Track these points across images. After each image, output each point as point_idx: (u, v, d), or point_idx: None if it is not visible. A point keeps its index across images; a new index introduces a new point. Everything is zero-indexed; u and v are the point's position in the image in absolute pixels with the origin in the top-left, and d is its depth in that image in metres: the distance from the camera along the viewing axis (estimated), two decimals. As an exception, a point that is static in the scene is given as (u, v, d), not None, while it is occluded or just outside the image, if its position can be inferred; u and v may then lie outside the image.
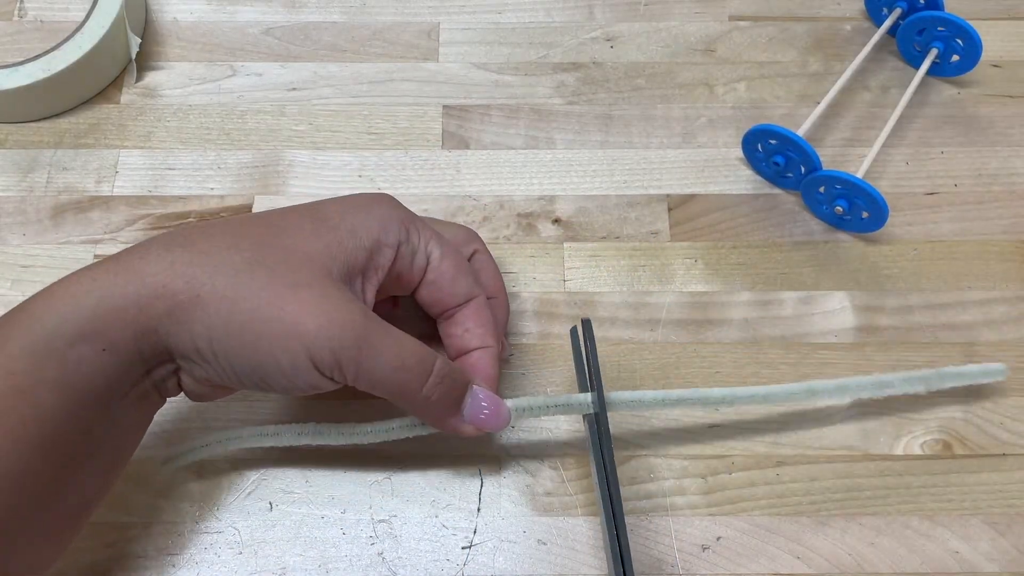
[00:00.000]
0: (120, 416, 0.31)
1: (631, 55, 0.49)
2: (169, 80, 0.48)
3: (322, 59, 0.48)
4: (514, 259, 0.43)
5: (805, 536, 0.37)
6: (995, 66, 0.48)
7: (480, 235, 0.39)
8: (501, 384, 0.39)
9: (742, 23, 0.50)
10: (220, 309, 0.29)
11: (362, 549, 0.36)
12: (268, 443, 0.36)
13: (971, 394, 0.40)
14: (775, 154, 0.43)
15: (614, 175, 0.45)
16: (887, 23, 0.47)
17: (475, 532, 0.37)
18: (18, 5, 0.50)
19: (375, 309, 0.33)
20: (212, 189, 0.44)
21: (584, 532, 0.37)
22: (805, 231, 0.44)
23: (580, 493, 0.38)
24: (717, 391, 0.37)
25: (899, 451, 0.39)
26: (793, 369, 0.40)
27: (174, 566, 0.36)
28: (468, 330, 0.35)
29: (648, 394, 0.36)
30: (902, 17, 0.48)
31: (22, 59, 0.45)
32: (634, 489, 0.38)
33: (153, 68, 0.48)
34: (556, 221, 0.44)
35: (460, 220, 0.44)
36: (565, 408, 0.36)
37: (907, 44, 0.48)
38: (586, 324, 0.36)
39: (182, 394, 0.33)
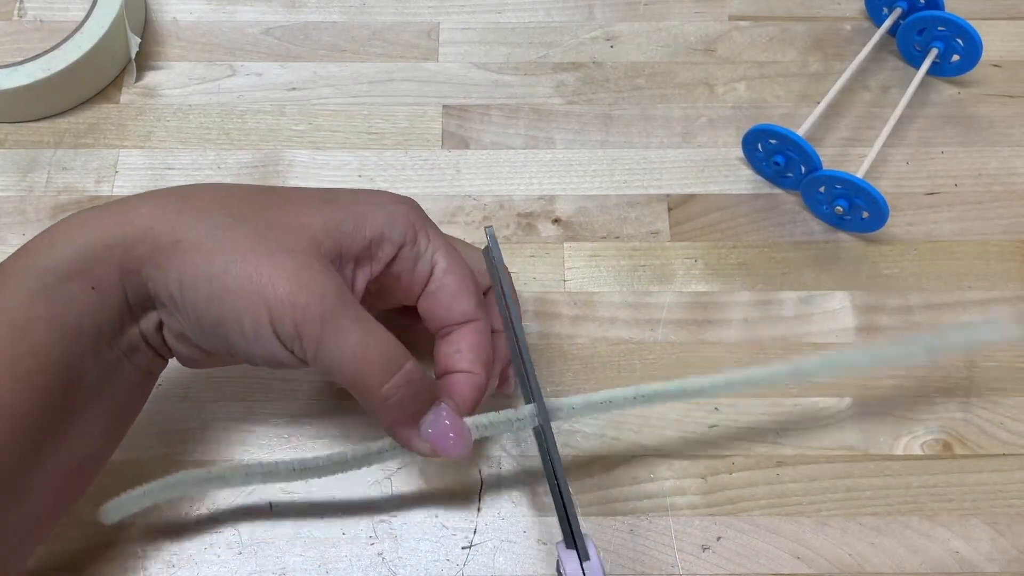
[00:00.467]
0: (115, 366, 0.31)
1: (631, 55, 0.49)
2: (169, 80, 0.48)
3: (322, 59, 0.48)
4: (514, 259, 0.43)
5: (805, 536, 0.37)
6: (995, 66, 0.48)
7: (480, 235, 0.38)
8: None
9: (742, 23, 0.50)
10: (195, 258, 0.29)
11: (362, 549, 0.36)
12: (213, 487, 0.35)
13: (971, 394, 0.40)
14: (775, 154, 0.43)
15: (614, 175, 0.45)
16: (887, 23, 0.47)
17: (475, 532, 0.37)
18: (18, 5, 0.49)
19: (392, 320, 0.32)
20: (212, 189, 0.44)
21: (584, 532, 0.37)
22: (805, 231, 0.44)
23: (580, 493, 0.38)
24: (670, 385, 0.34)
25: (899, 451, 0.39)
26: (793, 369, 0.40)
27: (174, 566, 0.36)
28: (459, 351, 0.34)
29: (597, 396, 0.34)
30: (902, 17, 0.48)
31: (22, 59, 0.45)
32: (634, 489, 0.38)
33: (153, 68, 0.48)
34: (556, 221, 0.44)
35: (460, 220, 0.44)
36: (511, 424, 0.33)
37: (907, 44, 0.48)
38: (490, 233, 0.33)
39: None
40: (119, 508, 0.34)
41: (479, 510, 0.37)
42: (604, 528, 0.37)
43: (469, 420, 0.32)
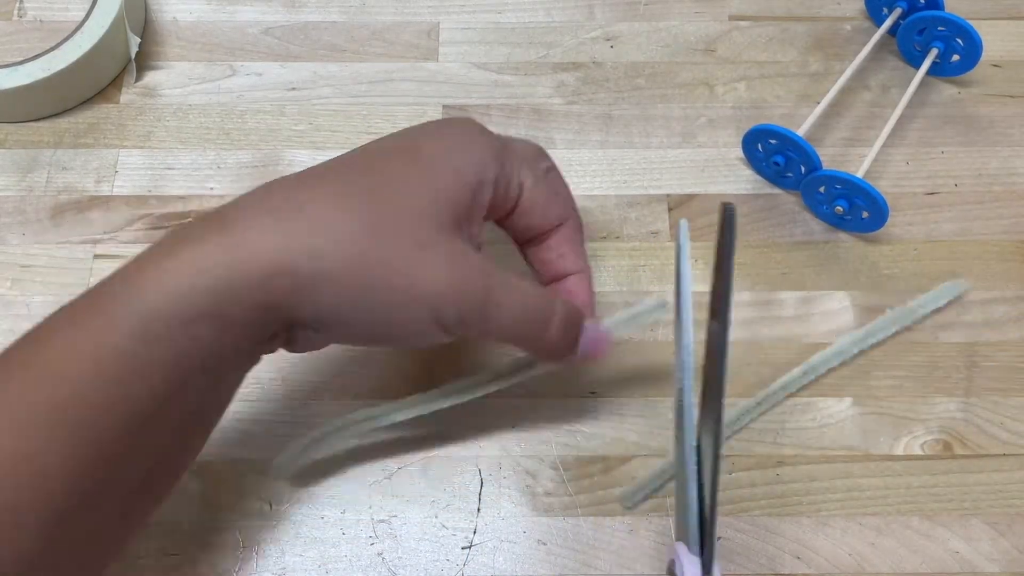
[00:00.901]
0: (226, 382, 0.31)
1: (631, 55, 0.49)
2: (169, 80, 0.48)
3: (322, 59, 0.48)
4: (514, 259, 0.43)
5: (805, 536, 0.37)
6: (995, 66, 0.48)
7: (489, 224, 0.38)
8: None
9: (742, 23, 0.50)
10: (349, 282, 0.28)
11: (362, 549, 0.36)
12: (383, 422, 0.35)
13: (971, 394, 0.40)
14: (775, 154, 0.43)
15: (614, 175, 0.45)
16: (887, 23, 0.47)
17: (475, 532, 0.37)
18: (18, 5, 0.49)
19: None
20: (212, 189, 0.44)
21: (584, 532, 0.37)
22: (805, 231, 0.44)
23: (580, 493, 0.38)
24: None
25: (899, 451, 0.39)
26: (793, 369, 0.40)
27: (174, 566, 0.36)
28: (563, 255, 0.35)
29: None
30: (902, 17, 0.47)
31: (22, 59, 0.45)
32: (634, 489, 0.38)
33: (153, 68, 0.48)
34: (556, 221, 0.44)
35: (460, 220, 0.44)
36: (643, 317, 0.36)
37: (907, 44, 0.48)
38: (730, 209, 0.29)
39: None
40: (289, 462, 0.36)
41: (479, 510, 0.37)
42: (604, 528, 0.37)
43: (607, 322, 0.35)
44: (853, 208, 0.42)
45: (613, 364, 0.40)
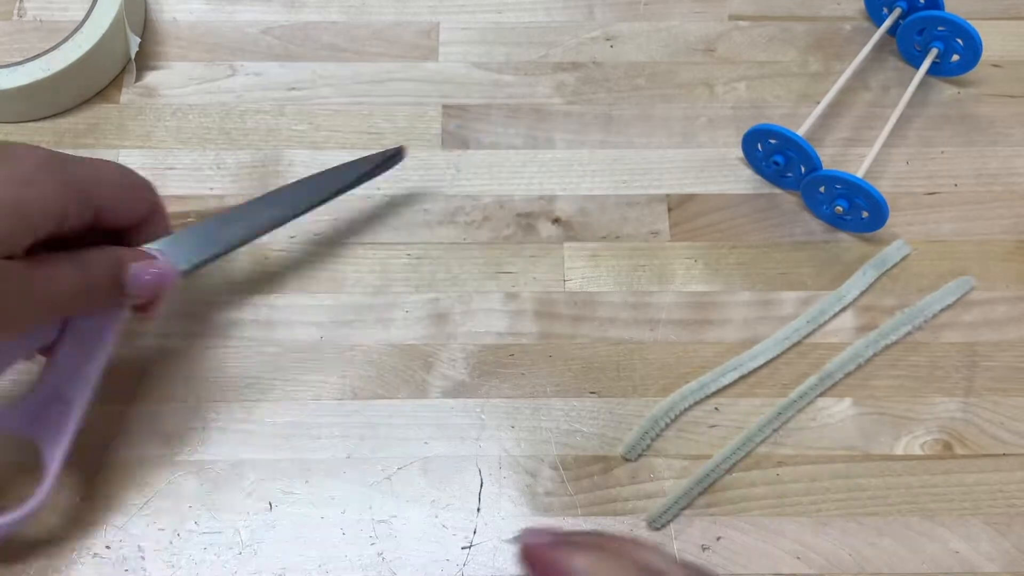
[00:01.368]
0: None
1: (631, 55, 0.49)
2: (169, 80, 0.48)
3: (322, 59, 0.48)
4: (514, 259, 0.43)
5: (805, 536, 0.37)
6: (995, 66, 0.48)
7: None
8: (501, 385, 0.39)
9: (742, 23, 0.50)
10: None
11: (362, 549, 0.36)
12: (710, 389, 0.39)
13: (971, 394, 0.40)
14: (775, 154, 0.43)
15: (614, 175, 0.45)
16: (887, 23, 0.47)
17: (475, 532, 0.37)
18: (18, 5, 0.49)
19: None
20: (212, 189, 0.44)
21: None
22: (805, 231, 0.44)
23: (580, 493, 0.38)
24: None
25: (899, 451, 0.39)
26: (792, 368, 0.40)
27: (174, 566, 0.36)
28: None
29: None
30: (902, 17, 0.47)
31: (22, 59, 0.45)
32: (634, 489, 0.38)
33: (153, 68, 0.48)
34: (556, 221, 0.44)
35: (460, 220, 0.44)
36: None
37: (907, 44, 0.48)
38: None
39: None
40: (637, 444, 0.38)
41: (479, 510, 0.37)
42: (604, 528, 0.37)
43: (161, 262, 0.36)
44: (853, 208, 0.42)
45: (613, 363, 0.40)
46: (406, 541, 0.37)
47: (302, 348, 0.40)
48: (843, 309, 0.41)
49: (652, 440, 0.38)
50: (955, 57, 0.46)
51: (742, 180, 0.45)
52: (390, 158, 0.42)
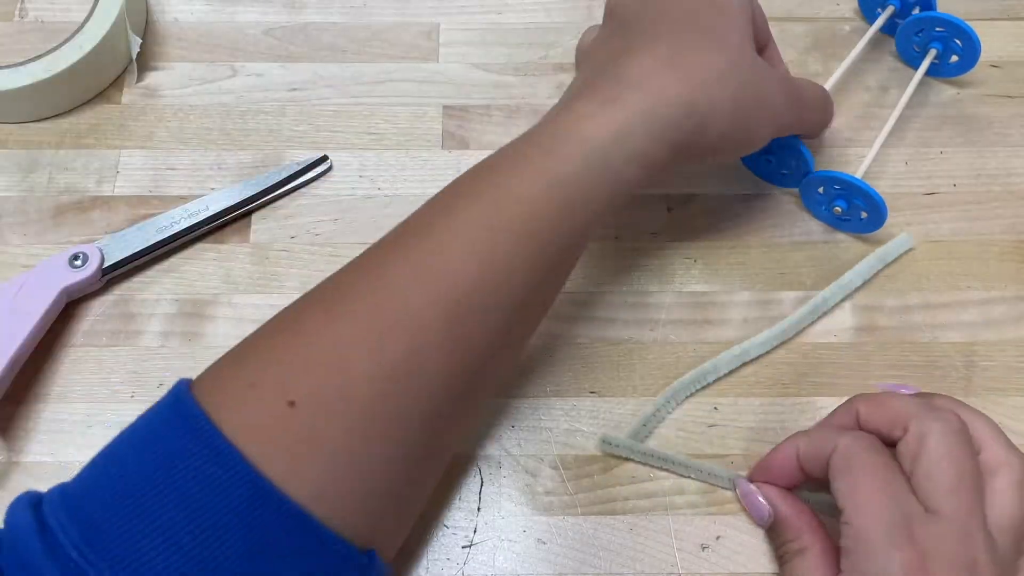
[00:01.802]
0: (585, 244, 0.35)
1: (631, 55, 0.49)
2: (170, 80, 0.48)
3: (322, 59, 0.48)
4: (514, 259, 0.43)
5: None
6: (994, 66, 0.48)
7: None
8: (513, 384, 0.40)
9: (742, 23, 0.50)
10: (733, 114, 0.35)
11: (362, 548, 0.37)
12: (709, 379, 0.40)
13: (971, 394, 0.40)
14: (774, 154, 0.43)
15: (614, 175, 0.45)
16: (879, 21, 0.47)
17: (475, 531, 0.37)
18: (19, 5, 0.50)
19: None
20: (212, 189, 0.45)
21: (584, 531, 0.37)
22: (804, 231, 0.44)
23: (580, 492, 0.38)
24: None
25: (898, 451, 0.39)
26: (792, 368, 0.40)
27: (175, 565, 0.36)
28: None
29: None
30: (896, 16, 0.48)
31: (23, 59, 0.45)
32: (634, 488, 0.38)
33: (154, 68, 0.48)
34: (556, 221, 0.44)
35: (460, 220, 0.44)
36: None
37: (906, 44, 0.48)
38: None
39: None
40: (627, 440, 0.38)
41: (479, 510, 0.37)
42: (604, 528, 0.37)
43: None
44: (852, 208, 0.42)
45: (613, 364, 0.40)
46: (406, 541, 0.37)
47: (303, 348, 0.41)
48: (846, 297, 0.42)
49: (655, 427, 0.39)
50: (954, 58, 0.46)
51: (741, 180, 0.45)
52: (313, 165, 0.45)
